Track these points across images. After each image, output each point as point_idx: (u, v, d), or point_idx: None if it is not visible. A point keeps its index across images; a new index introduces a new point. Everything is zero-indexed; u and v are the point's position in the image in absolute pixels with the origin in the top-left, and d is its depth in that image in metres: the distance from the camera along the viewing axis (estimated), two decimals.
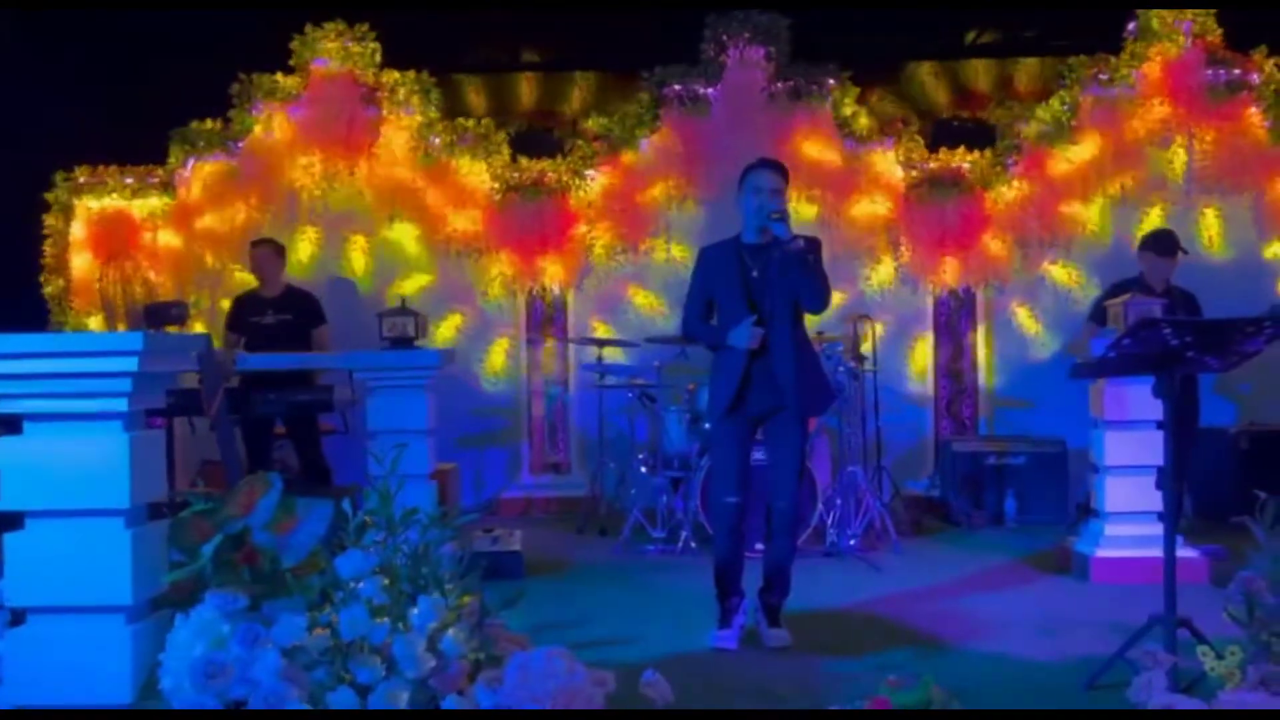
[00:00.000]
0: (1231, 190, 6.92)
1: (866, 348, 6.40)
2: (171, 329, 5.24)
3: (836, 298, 6.75)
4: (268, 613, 2.48)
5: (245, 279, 6.84)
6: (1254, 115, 6.89)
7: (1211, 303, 5.65)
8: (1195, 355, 3.13)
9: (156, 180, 7.12)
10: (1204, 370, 3.36)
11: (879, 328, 6.74)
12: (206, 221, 7.06)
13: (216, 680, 2.30)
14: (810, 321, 4.22)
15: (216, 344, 6.48)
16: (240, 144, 7.06)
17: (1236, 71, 6.86)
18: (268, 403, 5.63)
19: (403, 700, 2.33)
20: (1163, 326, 3.02)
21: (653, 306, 7.10)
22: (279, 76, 7.05)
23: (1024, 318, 7.07)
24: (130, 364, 2.75)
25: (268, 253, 6.13)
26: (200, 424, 5.63)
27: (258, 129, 7.04)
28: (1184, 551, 4.67)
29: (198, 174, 7.07)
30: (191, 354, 4.03)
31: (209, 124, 7.09)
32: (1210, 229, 6.93)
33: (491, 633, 2.59)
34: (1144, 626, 3.27)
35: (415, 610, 2.42)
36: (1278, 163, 6.92)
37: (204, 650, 2.39)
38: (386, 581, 2.50)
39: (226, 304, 6.77)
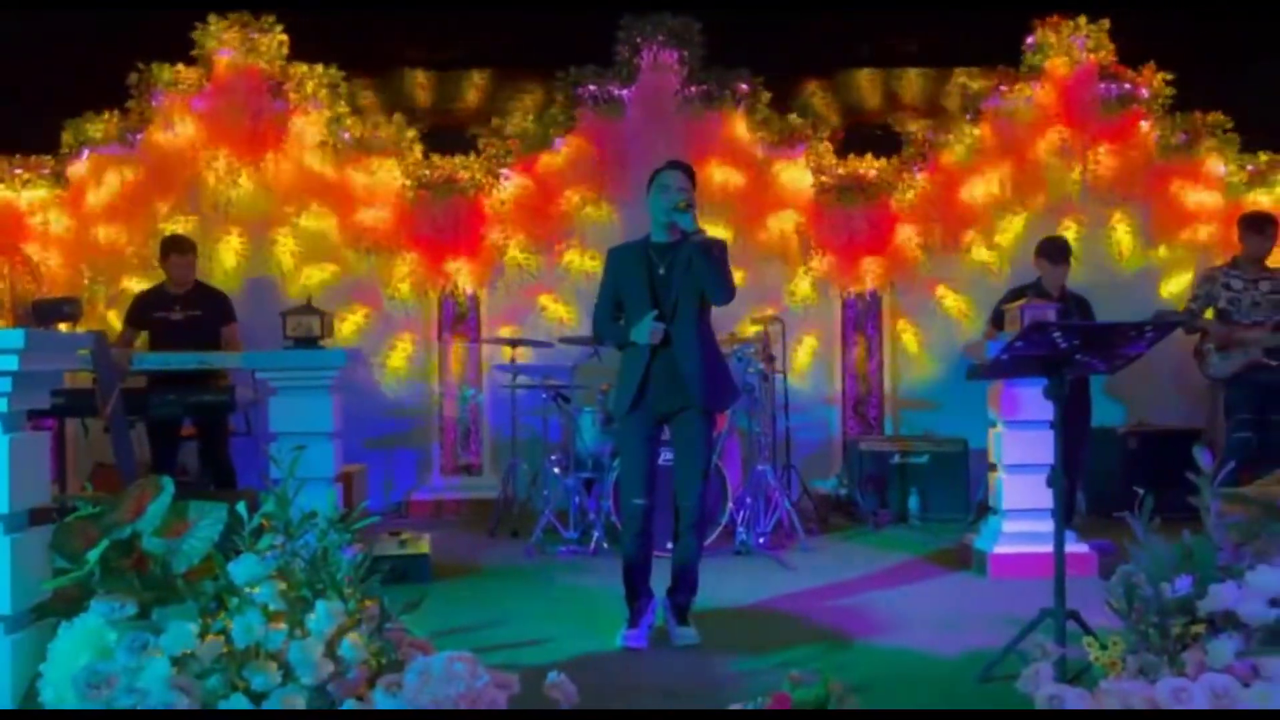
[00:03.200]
0: (1123, 200, 7.23)
1: (776, 349, 6.49)
2: (63, 326, 5.04)
3: (748, 300, 6.93)
4: (157, 620, 2.40)
5: (140, 276, 6.63)
6: (1144, 129, 7.20)
7: (1104, 308, 5.89)
8: (1083, 358, 3.26)
9: (48, 171, 6.83)
10: (1091, 372, 3.50)
11: (789, 329, 6.84)
12: (102, 215, 6.80)
13: (101, 690, 2.21)
14: (723, 323, 4.29)
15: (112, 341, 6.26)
16: (139, 136, 6.83)
17: (1127, 86, 7.17)
18: (166, 403, 5.45)
19: (299, 706, 2.28)
20: (1052, 330, 3.13)
21: (566, 307, 7.09)
22: (180, 67, 6.83)
23: (927, 321, 7.27)
24: (10, 363, 2.63)
25: (190, 261, 5.93)
26: (94, 425, 5.44)
27: (158, 121, 6.82)
28: (1075, 547, 4.86)
29: (93, 166, 6.81)
30: (81, 352, 3.88)
31: (105, 114, 6.83)
32: (1103, 237, 7.21)
33: (393, 637, 2.54)
34: (1035, 620, 3.40)
35: (313, 616, 2.37)
36: (1166, 175, 7.25)
37: (88, 660, 2.30)
38: (283, 586, 2.45)
39: (126, 300, 6.55)
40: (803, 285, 7.16)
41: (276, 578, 2.48)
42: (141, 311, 5.91)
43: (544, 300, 7.11)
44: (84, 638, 2.37)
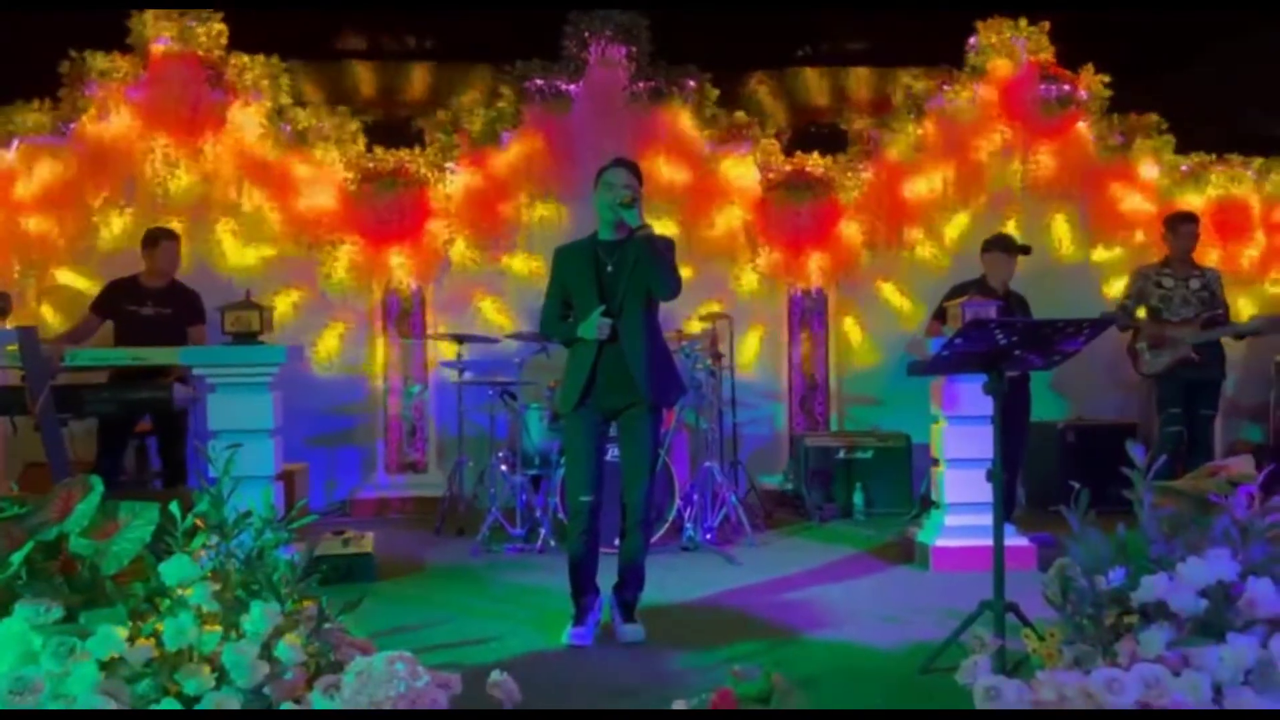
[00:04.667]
0: (1061, 199, 7.37)
1: (724, 345, 6.51)
2: None
3: (695, 296, 6.94)
4: (85, 623, 2.33)
5: (70, 279, 6.47)
6: (1082, 129, 7.34)
7: (1042, 305, 5.98)
8: (1021, 354, 3.32)
9: None
10: (1030, 368, 3.56)
11: (736, 325, 6.87)
12: (33, 207, 6.60)
13: (25, 697, 2.14)
14: (671, 319, 4.29)
15: (46, 336, 6.08)
16: (72, 126, 6.63)
17: (1066, 87, 7.31)
18: (100, 400, 5.30)
19: (233, 710, 2.22)
20: (992, 326, 3.17)
21: (513, 303, 7.04)
22: (115, 56, 6.65)
23: (872, 317, 7.34)
24: None
25: (177, 246, 5.81)
26: (24, 424, 5.27)
27: (92, 110, 6.63)
28: (1015, 540, 4.94)
29: (23, 156, 6.59)
30: (9, 348, 3.75)
31: (36, 103, 6.62)
32: (1042, 235, 7.34)
33: (331, 638, 2.50)
34: (975, 612, 3.45)
35: (248, 617, 2.32)
36: (1104, 174, 7.40)
37: (11, 665, 2.22)
38: (217, 588, 2.39)
39: (57, 294, 6.40)
40: (749, 281, 7.19)
41: (211, 579, 2.42)
42: (113, 301, 5.74)
43: (490, 296, 7.04)
44: (7, 642, 2.29)
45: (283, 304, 6.73)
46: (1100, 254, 7.46)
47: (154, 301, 5.69)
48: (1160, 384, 5.97)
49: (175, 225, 6.65)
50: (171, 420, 5.64)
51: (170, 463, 5.73)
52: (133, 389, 5.32)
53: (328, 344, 6.94)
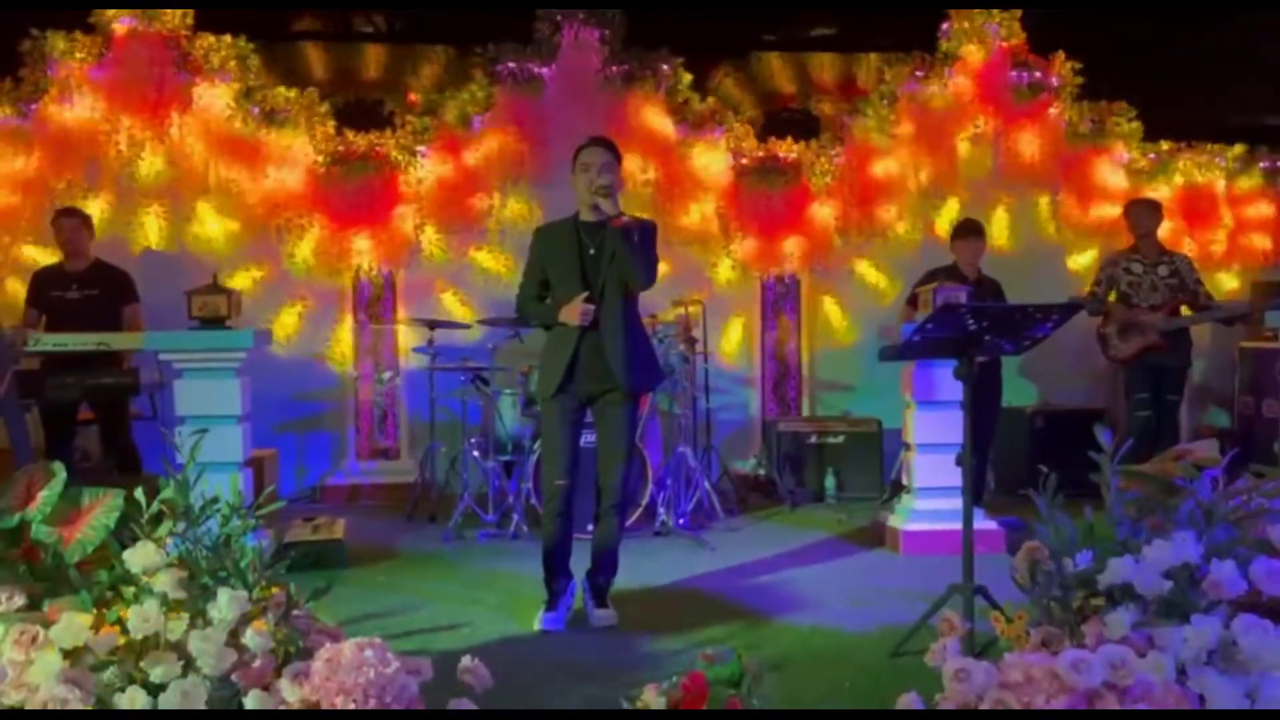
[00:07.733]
0: (1033, 186, 7.41)
1: (697, 331, 6.51)
2: None
3: (668, 282, 6.92)
4: (49, 612, 2.30)
5: (35, 255, 6.35)
6: (1053, 116, 7.38)
7: (1014, 293, 6.03)
8: (991, 339, 3.34)
9: None
10: (999, 353, 3.58)
11: (709, 311, 6.87)
12: None
13: None
14: (644, 305, 4.28)
15: (8, 322, 5.97)
16: (33, 106, 6.49)
17: (1038, 74, 7.33)
18: (65, 386, 5.24)
19: (200, 698, 2.20)
20: (962, 312, 3.19)
21: (486, 287, 6.98)
22: (77, 35, 6.51)
23: (843, 302, 7.35)
24: None
25: (76, 224, 5.69)
26: None
27: (53, 90, 6.49)
28: (984, 524, 4.99)
29: None
30: None
31: None
32: (1013, 221, 7.39)
33: (301, 625, 2.48)
34: (944, 595, 3.48)
35: (215, 604, 2.30)
36: (1074, 161, 7.45)
37: None
38: (184, 575, 2.36)
39: (15, 283, 6.29)
40: (722, 267, 7.17)
41: (177, 566, 2.39)
42: (38, 290, 5.65)
43: (463, 281, 6.98)
44: None
45: (250, 288, 6.64)
46: (1070, 240, 7.51)
47: (79, 284, 5.58)
48: (1128, 370, 6.04)
49: (136, 207, 6.59)
50: (114, 407, 5.56)
51: (117, 449, 5.64)
52: (94, 374, 5.26)
53: (298, 328, 6.85)
